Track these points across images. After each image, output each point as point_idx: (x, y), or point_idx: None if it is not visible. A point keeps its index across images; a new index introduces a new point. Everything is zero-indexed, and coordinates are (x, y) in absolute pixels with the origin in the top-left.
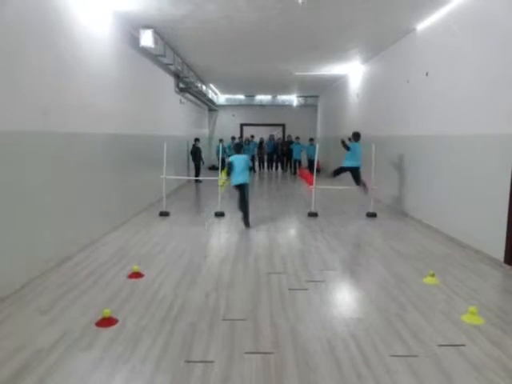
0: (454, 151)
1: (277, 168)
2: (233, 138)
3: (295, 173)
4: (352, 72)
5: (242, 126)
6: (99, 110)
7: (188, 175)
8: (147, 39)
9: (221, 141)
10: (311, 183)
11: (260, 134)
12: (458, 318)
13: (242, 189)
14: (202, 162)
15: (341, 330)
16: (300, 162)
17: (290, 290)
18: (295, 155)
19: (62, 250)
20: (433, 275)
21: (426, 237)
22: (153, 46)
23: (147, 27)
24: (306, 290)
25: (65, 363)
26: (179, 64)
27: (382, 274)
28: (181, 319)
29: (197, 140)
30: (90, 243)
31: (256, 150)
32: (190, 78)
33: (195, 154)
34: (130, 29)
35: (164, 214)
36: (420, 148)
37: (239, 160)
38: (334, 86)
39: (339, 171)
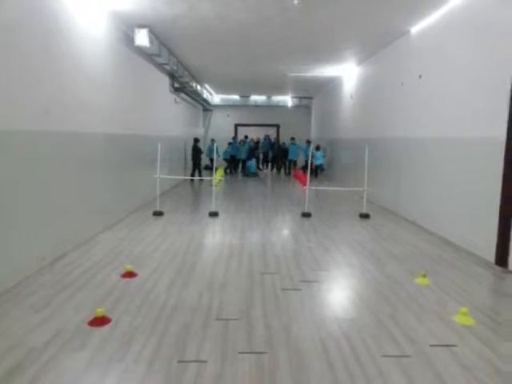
0: (447, 154)
1: (272, 168)
2: (212, 141)
3: (289, 173)
4: (347, 74)
5: (236, 126)
6: (95, 109)
7: (184, 174)
8: (142, 38)
9: (212, 141)
10: (305, 184)
11: (254, 134)
12: (450, 318)
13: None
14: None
15: (333, 330)
16: (295, 163)
17: (283, 290)
18: (291, 156)
19: (57, 248)
20: (424, 276)
21: (419, 238)
22: (148, 45)
23: (142, 26)
24: (299, 290)
25: (57, 363)
26: (174, 64)
27: (375, 274)
28: (174, 319)
29: (197, 140)
30: (84, 241)
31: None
32: (184, 77)
33: (195, 153)
34: (125, 28)
35: (158, 214)
36: (413, 150)
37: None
38: (329, 87)
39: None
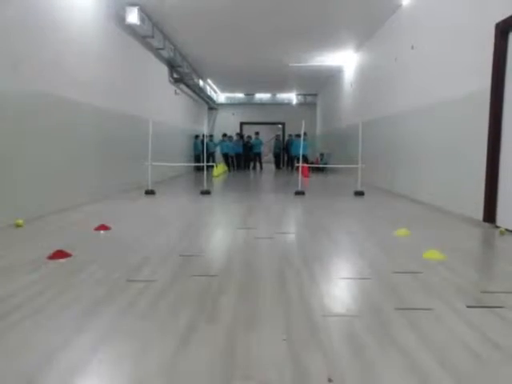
0: (434, 121)
1: (283, 165)
2: (224, 135)
3: (293, 168)
4: (346, 63)
5: (241, 124)
6: (80, 77)
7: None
8: (133, 16)
9: (211, 136)
10: (307, 175)
11: (260, 132)
12: (421, 256)
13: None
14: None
15: (295, 262)
16: (298, 159)
17: (255, 238)
18: (294, 151)
19: (35, 210)
20: (405, 228)
21: (411, 207)
22: (138, 23)
23: (133, 4)
24: (272, 238)
25: (8, 282)
26: (171, 50)
27: (355, 228)
28: (135, 254)
29: (211, 136)
30: (66, 208)
31: (262, 147)
32: (184, 68)
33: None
34: (117, 6)
35: (150, 193)
36: (406, 124)
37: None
38: (331, 81)
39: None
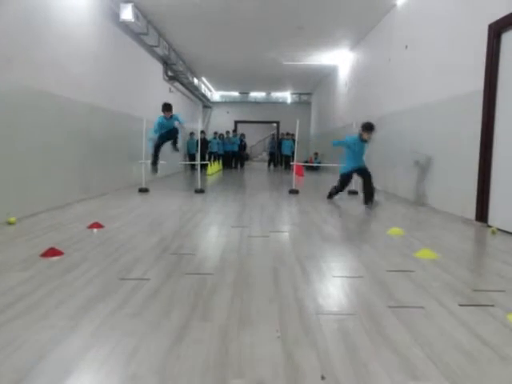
0: (427, 121)
1: (279, 164)
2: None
3: (286, 167)
4: (341, 62)
5: (236, 122)
6: (74, 74)
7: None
8: (127, 13)
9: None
10: (301, 174)
11: (254, 130)
12: (413, 254)
13: None
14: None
15: (289, 260)
16: (289, 158)
17: (249, 237)
18: (285, 151)
19: (27, 207)
20: (398, 227)
21: (405, 207)
22: (132, 20)
23: (127, 1)
24: (267, 237)
25: (0, 279)
26: (166, 48)
27: (348, 227)
28: (128, 253)
29: (202, 132)
30: (59, 206)
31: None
32: (178, 65)
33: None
34: (111, 3)
35: (143, 190)
36: (399, 124)
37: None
38: (326, 80)
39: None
